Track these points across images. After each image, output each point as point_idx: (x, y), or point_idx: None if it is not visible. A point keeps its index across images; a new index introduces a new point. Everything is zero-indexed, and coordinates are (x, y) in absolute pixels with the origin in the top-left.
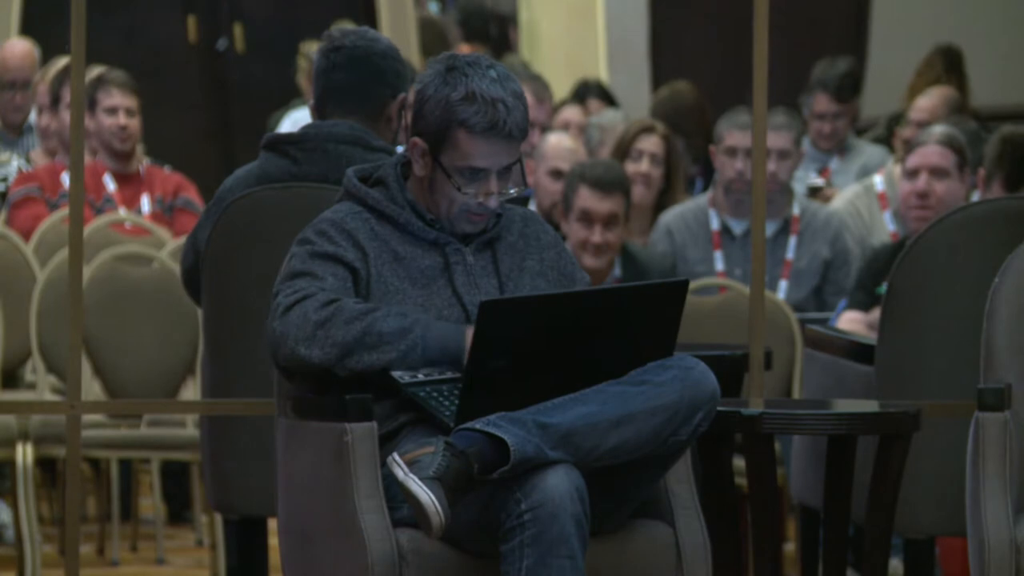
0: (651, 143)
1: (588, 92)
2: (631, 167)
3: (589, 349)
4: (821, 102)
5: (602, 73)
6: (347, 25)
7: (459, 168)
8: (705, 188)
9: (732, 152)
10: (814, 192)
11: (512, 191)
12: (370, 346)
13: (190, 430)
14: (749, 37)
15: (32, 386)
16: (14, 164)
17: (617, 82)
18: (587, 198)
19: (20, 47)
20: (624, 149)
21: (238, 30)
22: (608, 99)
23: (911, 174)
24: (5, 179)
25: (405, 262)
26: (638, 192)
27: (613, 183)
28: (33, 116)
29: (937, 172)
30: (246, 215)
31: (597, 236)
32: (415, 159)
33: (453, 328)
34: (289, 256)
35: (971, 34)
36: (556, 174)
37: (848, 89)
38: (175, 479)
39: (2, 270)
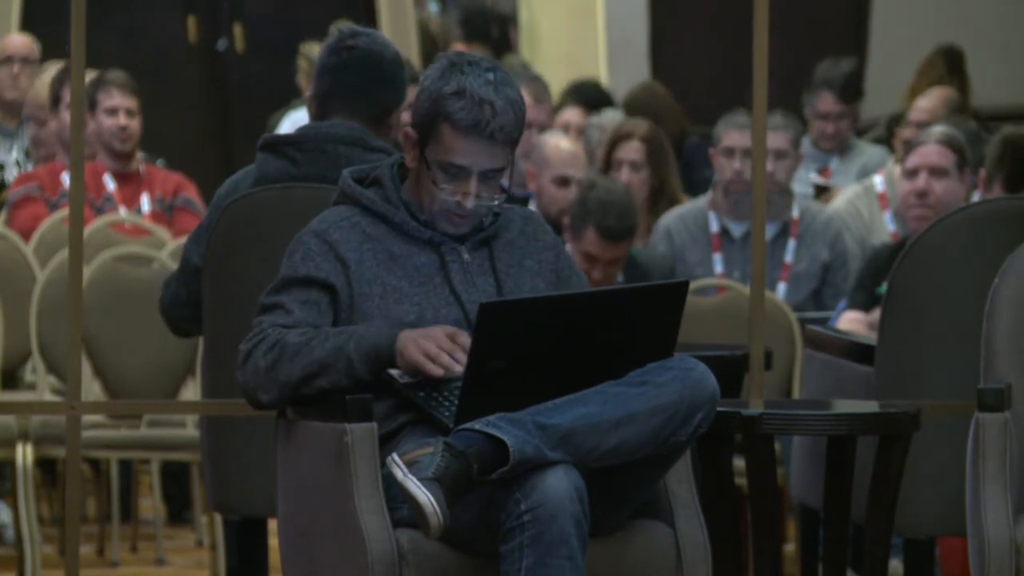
0: (629, 150)
1: (579, 93)
2: (614, 177)
3: (589, 350)
4: (826, 102)
5: (602, 73)
6: (354, 25)
7: (440, 163)
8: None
9: (730, 152)
10: (820, 192)
11: (494, 200)
12: (315, 374)
13: (190, 430)
14: (749, 37)
15: (32, 386)
16: (13, 155)
17: (617, 82)
18: (594, 243)
19: (20, 36)
20: (607, 159)
21: (238, 30)
22: (597, 98)
23: (910, 174)
24: (2, 167)
25: (401, 260)
26: None
27: (623, 232)
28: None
29: (936, 171)
30: (245, 216)
31: (598, 274)
32: (407, 149)
33: (385, 333)
34: (279, 274)
35: (970, 34)
36: (562, 182)
37: (852, 89)
38: (175, 479)
39: (2, 270)
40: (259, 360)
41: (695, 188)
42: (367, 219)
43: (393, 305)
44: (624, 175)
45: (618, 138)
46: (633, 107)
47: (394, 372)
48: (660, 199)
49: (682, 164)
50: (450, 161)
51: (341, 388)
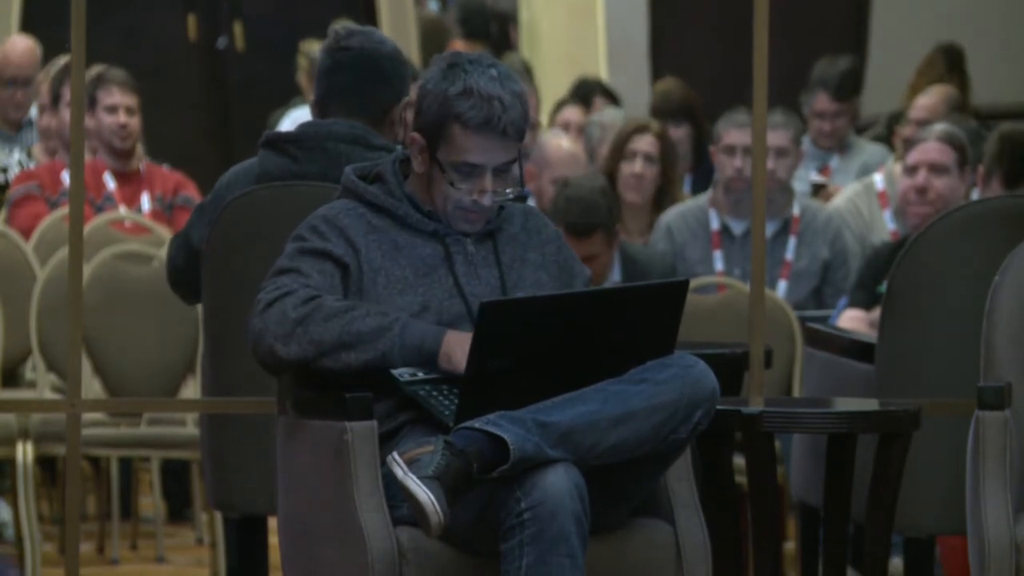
0: (645, 143)
1: (591, 91)
2: (626, 167)
3: (589, 349)
4: (821, 101)
5: (602, 72)
6: (349, 24)
7: (454, 163)
8: (693, 184)
9: (731, 150)
10: (818, 190)
11: (508, 192)
12: (348, 345)
13: (190, 428)
14: (749, 37)
15: (32, 384)
16: (15, 156)
17: (617, 82)
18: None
19: (22, 44)
20: (619, 150)
21: (238, 29)
22: (612, 97)
23: (911, 170)
24: (5, 170)
25: (406, 251)
26: (633, 193)
27: (588, 226)
28: (34, 112)
29: (936, 168)
30: (245, 214)
31: None
32: (413, 155)
33: (432, 329)
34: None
35: (970, 33)
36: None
37: (848, 88)
38: (175, 477)
39: (2, 269)
40: (288, 310)
41: None
42: (371, 213)
43: (397, 296)
44: (638, 166)
45: (635, 130)
46: (664, 108)
47: (395, 371)
48: (665, 198)
49: (705, 168)
50: (464, 160)
51: (367, 368)
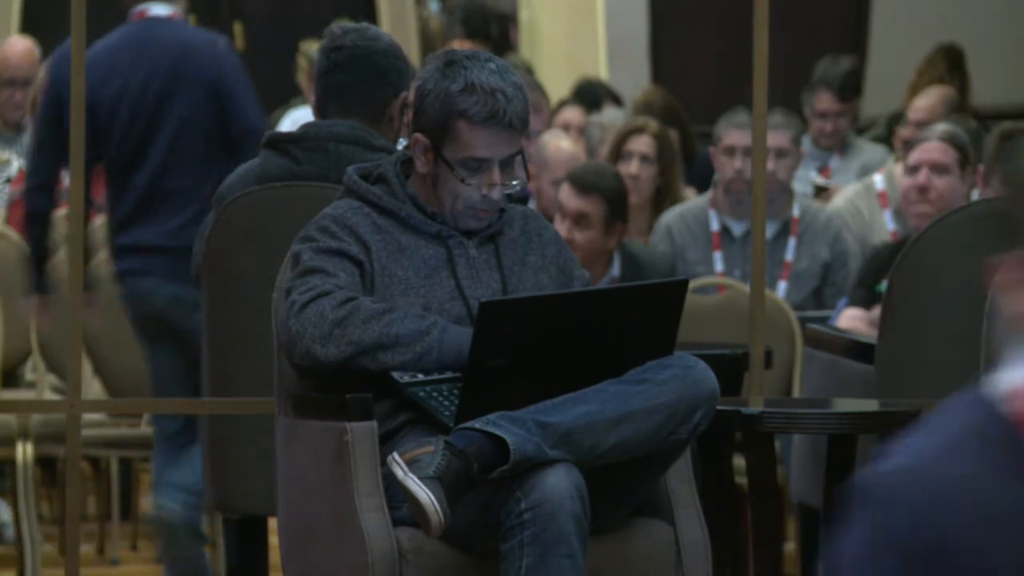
0: (641, 143)
1: (599, 96)
2: (623, 168)
3: (589, 349)
4: (824, 100)
5: (602, 72)
6: (347, 23)
7: (461, 160)
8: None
9: (731, 151)
10: (820, 192)
11: (515, 184)
12: (386, 347)
13: None
14: (749, 37)
15: (32, 385)
16: (15, 165)
17: (617, 81)
18: (564, 192)
19: (21, 45)
20: (617, 151)
21: (238, 29)
22: (618, 102)
23: (912, 170)
24: (9, 180)
25: (409, 252)
26: (631, 194)
27: (589, 185)
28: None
29: (938, 168)
30: (246, 214)
31: (563, 231)
32: (417, 156)
33: (469, 332)
34: (294, 253)
35: (970, 33)
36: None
37: (851, 88)
38: None
39: (2, 269)
40: (327, 311)
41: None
42: (375, 213)
43: (399, 297)
44: (634, 167)
45: (631, 130)
46: (643, 111)
47: (395, 372)
48: (665, 199)
49: (695, 170)
50: (472, 156)
51: (403, 369)
